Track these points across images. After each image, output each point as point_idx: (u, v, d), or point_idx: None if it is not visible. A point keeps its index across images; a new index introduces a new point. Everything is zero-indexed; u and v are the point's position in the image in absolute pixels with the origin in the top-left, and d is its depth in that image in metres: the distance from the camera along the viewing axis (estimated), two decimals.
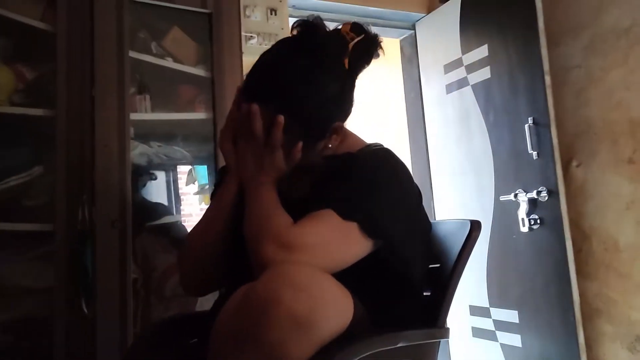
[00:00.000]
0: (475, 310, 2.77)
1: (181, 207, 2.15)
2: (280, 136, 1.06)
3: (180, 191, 2.15)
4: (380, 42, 1.17)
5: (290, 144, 1.09)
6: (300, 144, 1.09)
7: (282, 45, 1.16)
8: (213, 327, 0.93)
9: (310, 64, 1.09)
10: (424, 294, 1.21)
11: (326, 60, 1.10)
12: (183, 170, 2.14)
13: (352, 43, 1.13)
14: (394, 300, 1.09)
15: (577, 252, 2.39)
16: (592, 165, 2.38)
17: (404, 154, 3.42)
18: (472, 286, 2.77)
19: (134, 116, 1.85)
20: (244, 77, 1.17)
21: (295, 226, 1.00)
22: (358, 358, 0.89)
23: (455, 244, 1.20)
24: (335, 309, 0.88)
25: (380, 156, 1.14)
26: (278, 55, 1.14)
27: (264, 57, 1.15)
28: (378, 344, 0.94)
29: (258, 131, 1.07)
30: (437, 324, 1.11)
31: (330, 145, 1.15)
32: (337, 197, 1.03)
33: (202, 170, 2.14)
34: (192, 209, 2.18)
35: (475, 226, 1.19)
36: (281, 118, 1.04)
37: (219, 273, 1.21)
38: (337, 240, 1.00)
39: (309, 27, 1.13)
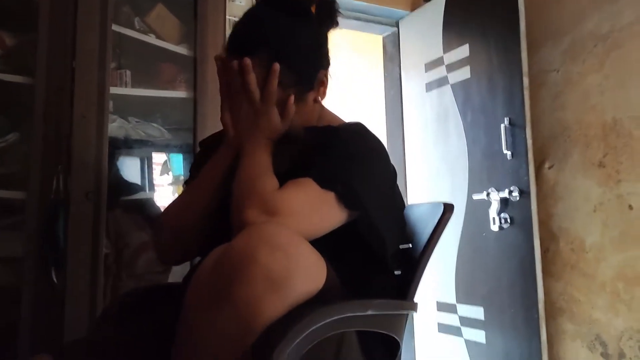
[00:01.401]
0: (442, 306, 2.81)
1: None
2: (276, 85, 1.09)
3: (154, 180, 2.13)
4: (338, 5, 1.24)
5: (282, 101, 1.12)
6: (293, 97, 1.11)
7: (260, 4, 1.22)
8: (189, 285, 0.93)
9: (289, 14, 1.15)
10: (395, 272, 1.23)
11: (301, 12, 1.17)
12: (159, 150, 2.13)
13: None
14: (366, 273, 1.11)
15: (544, 252, 2.44)
16: (563, 168, 2.44)
17: None
18: (440, 283, 2.81)
19: (113, 90, 1.85)
20: (227, 38, 1.19)
21: (278, 192, 1.02)
22: (328, 321, 0.90)
23: (427, 226, 1.22)
24: (310, 271, 0.90)
25: (361, 131, 1.17)
26: (259, 10, 1.19)
27: (246, 15, 1.20)
28: (348, 309, 0.96)
29: (252, 84, 1.09)
30: (406, 297, 1.13)
31: (319, 99, 1.20)
32: (318, 167, 1.05)
33: (177, 160, 2.14)
34: (166, 201, 2.17)
35: (448, 208, 1.22)
36: (277, 65, 1.08)
37: (196, 247, 1.21)
38: (316, 208, 1.02)
39: None
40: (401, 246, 1.26)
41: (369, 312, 1.00)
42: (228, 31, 2.16)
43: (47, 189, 1.69)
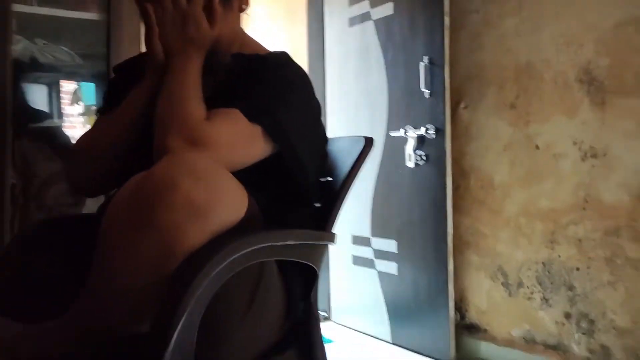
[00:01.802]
0: (357, 240, 2.90)
1: (62, 111, 2.03)
2: None
3: (62, 110, 2.01)
4: None
5: (207, 4, 1.08)
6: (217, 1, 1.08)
7: None
8: (104, 214, 0.90)
9: None
10: (315, 204, 1.24)
11: None
12: (69, 77, 2.01)
13: None
14: (286, 204, 1.12)
15: (455, 188, 2.55)
16: (478, 108, 2.52)
17: None
18: (356, 217, 2.89)
19: (18, 7, 1.70)
20: None
21: (206, 122, 0.99)
22: (248, 250, 0.91)
23: (347, 160, 1.24)
24: (231, 201, 0.89)
25: (288, 63, 1.16)
26: None
27: None
28: (268, 239, 0.97)
29: None
30: (326, 228, 1.16)
31: (244, 7, 1.18)
32: (245, 99, 1.03)
33: (89, 89, 2.03)
34: (76, 132, 2.06)
35: (368, 142, 1.24)
36: None
37: (116, 172, 1.16)
38: (241, 141, 1.01)
39: None
40: (322, 179, 1.28)
41: (289, 242, 1.01)
42: None
43: None
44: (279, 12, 3.81)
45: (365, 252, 2.86)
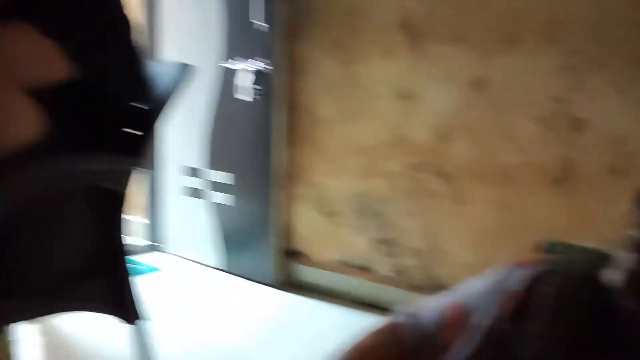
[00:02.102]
0: (193, 171, 2.92)
1: None
2: None
3: None
4: None
5: None
6: None
7: None
8: None
9: None
10: (127, 130, 1.25)
11: None
12: None
13: None
14: (93, 127, 1.12)
15: (287, 123, 2.65)
16: (310, 45, 2.60)
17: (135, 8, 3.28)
18: (191, 148, 2.89)
19: None
20: None
21: None
22: (48, 175, 0.91)
23: (164, 85, 1.24)
24: (17, 121, 0.88)
25: None
26: None
27: None
28: (67, 164, 0.97)
29: None
30: (132, 154, 1.17)
31: None
32: (41, 11, 1.00)
33: None
34: None
35: (186, 68, 1.25)
36: None
37: None
38: (34, 56, 0.98)
39: None
40: (137, 104, 1.28)
41: (89, 165, 1.02)
42: None
43: None
44: None
45: (201, 184, 2.90)
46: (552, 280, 0.58)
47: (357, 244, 2.53)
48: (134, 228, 3.16)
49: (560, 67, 1.99)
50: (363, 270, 2.52)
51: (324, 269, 2.64)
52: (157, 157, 3.05)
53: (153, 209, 3.14)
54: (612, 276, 0.53)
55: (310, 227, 2.68)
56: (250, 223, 2.73)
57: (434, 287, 2.24)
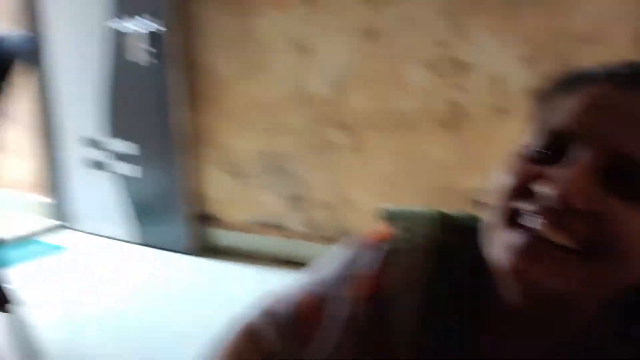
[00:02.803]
0: (92, 143, 2.79)
1: None
2: None
3: None
4: None
5: None
6: None
7: None
8: None
9: None
10: None
11: None
12: None
13: None
14: None
15: (186, 84, 2.57)
16: (205, 2, 2.50)
17: None
18: (87, 118, 2.76)
19: None
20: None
21: None
22: None
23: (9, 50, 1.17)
24: None
25: None
26: None
27: None
28: None
29: None
30: None
31: None
32: None
33: None
34: None
35: (31, 40, 1.18)
36: None
37: None
38: None
39: None
40: None
41: None
42: None
43: None
44: None
45: (103, 156, 2.78)
46: (399, 259, 0.54)
47: (267, 202, 2.53)
48: (35, 207, 3.04)
49: (443, 13, 2.01)
50: (275, 228, 2.53)
51: (238, 230, 2.63)
52: (52, 128, 2.90)
53: (54, 185, 3.00)
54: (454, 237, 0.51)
55: (220, 189, 2.65)
56: (159, 191, 2.67)
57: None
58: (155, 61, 2.51)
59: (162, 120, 2.57)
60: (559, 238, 0.41)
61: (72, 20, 2.70)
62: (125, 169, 2.72)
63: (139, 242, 2.75)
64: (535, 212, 0.42)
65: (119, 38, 2.57)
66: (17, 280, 1.54)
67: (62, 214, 2.99)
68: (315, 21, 2.28)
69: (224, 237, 2.66)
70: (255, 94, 2.46)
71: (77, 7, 2.67)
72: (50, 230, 2.94)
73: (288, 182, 2.46)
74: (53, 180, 3.00)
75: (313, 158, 2.38)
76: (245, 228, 2.61)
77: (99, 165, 2.80)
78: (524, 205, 0.43)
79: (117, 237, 2.81)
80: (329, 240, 2.37)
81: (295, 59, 2.34)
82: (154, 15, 2.47)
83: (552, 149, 0.44)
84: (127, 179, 2.73)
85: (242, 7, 2.42)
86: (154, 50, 2.50)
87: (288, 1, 2.31)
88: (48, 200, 3.01)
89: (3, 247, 1.15)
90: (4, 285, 1.11)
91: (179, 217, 2.63)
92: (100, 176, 2.81)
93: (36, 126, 2.94)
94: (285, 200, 2.48)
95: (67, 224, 2.97)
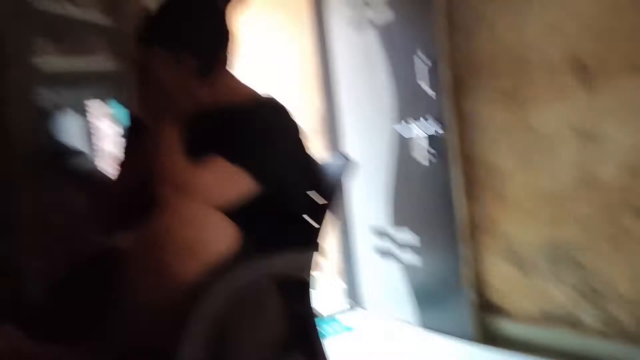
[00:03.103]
0: (379, 231, 3.05)
1: (93, 148, 2.23)
2: (181, 73, 1.22)
3: (90, 131, 2.21)
4: None
5: (186, 83, 1.25)
6: (195, 80, 1.26)
7: None
8: (121, 256, 1.10)
9: (187, 2, 1.30)
10: (308, 220, 1.41)
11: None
12: (94, 105, 2.21)
13: None
14: (277, 230, 1.28)
15: (464, 177, 2.67)
16: (477, 99, 2.63)
17: (312, 86, 3.58)
18: (377, 212, 3.04)
19: (40, 64, 1.91)
20: (137, 30, 1.30)
21: (189, 171, 1.16)
22: (244, 274, 1.08)
23: (334, 180, 1.39)
24: (220, 237, 1.07)
25: (268, 107, 1.31)
26: (162, 5, 1.32)
27: (156, 8, 1.32)
28: (255, 263, 1.14)
29: (162, 72, 1.22)
30: (313, 246, 1.32)
31: (223, 76, 1.33)
32: (228, 144, 1.20)
33: (115, 105, 2.22)
34: (105, 143, 2.26)
35: (349, 164, 1.38)
36: (182, 55, 1.22)
37: (129, 217, 1.34)
38: (227, 184, 1.18)
39: None
40: (310, 195, 1.43)
41: (278, 262, 1.18)
42: None
43: None
44: (285, 22, 3.96)
45: (389, 246, 3.01)
46: None
47: (555, 294, 2.41)
48: (330, 289, 3.37)
49: None
50: (565, 322, 2.39)
51: (522, 321, 2.54)
52: (347, 219, 3.24)
53: (347, 270, 3.32)
54: None
55: (503, 279, 2.62)
56: (440, 278, 2.75)
57: None
58: (435, 157, 2.67)
59: (442, 211, 2.69)
60: None
61: (364, 125, 3.07)
62: (407, 255, 2.89)
63: (422, 326, 2.84)
64: None
65: (403, 139, 2.82)
66: None
67: (353, 296, 3.28)
68: (599, 106, 2.19)
69: (507, 327, 2.60)
70: (537, 183, 2.42)
71: (369, 114, 3.03)
72: (343, 311, 3.22)
73: (578, 274, 2.32)
74: (346, 264, 3.32)
75: (607, 248, 2.22)
76: (531, 319, 2.51)
77: (385, 253, 3.03)
78: None
79: (402, 320, 2.95)
80: (632, 339, 2.14)
81: (580, 145, 2.26)
82: (432, 114, 2.65)
83: None
84: (409, 264, 2.89)
85: (517, 99, 2.46)
86: (433, 148, 2.67)
87: (567, 89, 2.27)
88: (342, 283, 3.32)
89: (320, 321, 1.33)
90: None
91: (461, 304, 2.66)
92: (387, 262, 3.03)
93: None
94: (575, 293, 2.34)
95: (357, 306, 3.24)
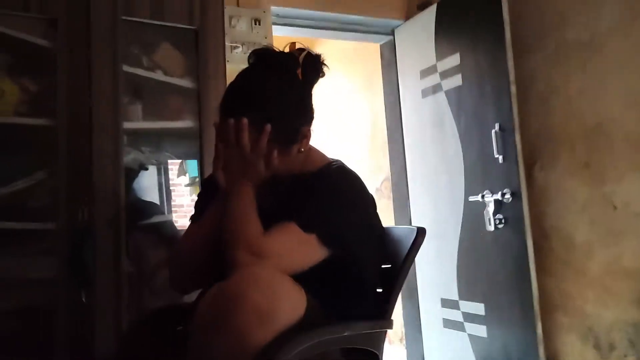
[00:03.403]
0: (446, 303, 2.98)
1: (172, 205, 2.33)
2: (265, 142, 1.27)
3: (170, 183, 2.32)
4: (323, 59, 1.41)
5: (268, 153, 1.29)
6: (276, 151, 1.30)
7: (248, 69, 1.40)
8: (193, 318, 1.12)
9: (275, 77, 1.34)
10: (377, 290, 1.40)
11: (286, 73, 1.35)
12: (174, 162, 2.32)
13: (301, 57, 1.38)
14: (347, 296, 1.28)
15: (537, 249, 2.58)
16: (552, 169, 2.57)
17: (382, 152, 3.61)
18: (443, 280, 2.98)
19: (127, 124, 2.03)
20: (223, 98, 1.37)
21: (264, 237, 1.19)
22: (311, 344, 1.08)
23: (403, 248, 1.39)
24: (292, 304, 1.08)
25: (339, 173, 1.34)
26: (250, 74, 1.38)
27: (236, 80, 1.38)
28: (327, 333, 1.13)
29: (245, 140, 1.26)
30: (384, 317, 1.31)
31: (302, 150, 1.36)
32: (300, 211, 1.23)
33: (192, 164, 2.32)
34: (182, 199, 2.36)
35: (420, 232, 1.38)
36: (268, 127, 1.26)
37: (202, 276, 1.37)
38: (298, 249, 1.20)
39: (264, 51, 1.40)
40: (383, 266, 1.43)
41: (346, 334, 1.17)
42: (229, 58, 2.34)
43: (74, 219, 1.89)
44: (361, 84, 4.06)
45: (455, 315, 2.93)
46: None
47: None
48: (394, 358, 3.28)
49: None
50: None
51: None
52: (414, 289, 3.18)
53: (411, 338, 3.24)
54: None
55: (577, 359, 2.48)
56: (508, 356, 2.63)
57: None
58: (506, 228, 2.61)
59: (513, 284, 2.60)
60: None
61: (434, 192, 3.05)
62: (475, 329, 2.79)
63: None
64: None
65: (473, 207, 2.78)
66: None
67: None
68: None
69: None
70: (619, 261, 2.31)
71: (438, 181, 3.02)
72: None
73: None
74: (410, 334, 3.24)
75: None
76: None
77: (451, 324, 2.94)
78: None
79: None
80: None
81: None
82: (503, 185, 2.61)
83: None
84: (476, 339, 2.78)
85: (596, 172, 2.39)
86: (504, 219, 2.62)
87: None
88: (405, 352, 3.24)
89: None
90: None
91: None
92: (453, 333, 2.93)
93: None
94: None
95: None
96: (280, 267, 1.14)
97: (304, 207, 1.24)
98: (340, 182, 1.31)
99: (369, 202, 1.36)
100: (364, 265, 1.30)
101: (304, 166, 1.38)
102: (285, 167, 1.34)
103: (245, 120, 1.26)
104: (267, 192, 1.32)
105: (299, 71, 1.36)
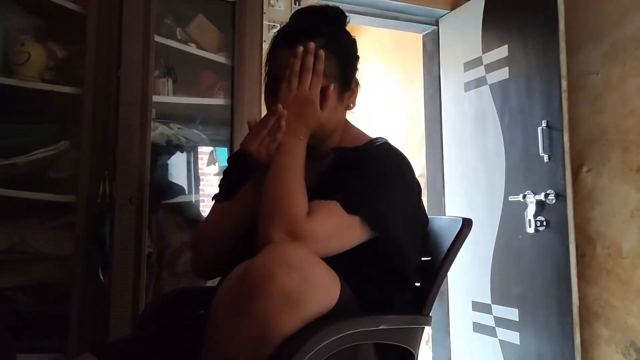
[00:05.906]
0: (478, 306, 2.83)
1: (200, 188, 2.23)
2: (322, 69, 1.17)
3: (200, 172, 2.23)
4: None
5: (323, 90, 1.19)
6: (333, 86, 1.20)
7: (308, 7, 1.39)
8: (213, 299, 1.01)
9: (337, 14, 1.29)
10: (416, 284, 1.28)
11: (340, 17, 1.30)
12: (204, 151, 2.22)
13: None
14: (385, 287, 1.16)
15: (580, 256, 2.43)
16: (601, 172, 2.41)
17: (418, 147, 3.48)
18: (475, 283, 2.83)
19: (156, 98, 1.94)
20: (280, 32, 1.31)
21: (306, 217, 1.06)
22: (341, 335, 0.96)
23: (446, 240, 1.26)
24: (324, 290, 0.96)
25: (386, 152, 1.22)
26: (306, 10, 1.35)
27: (296, 12, 1.34)
28: (360, 325, 1.02)
29: (311, 63, 1.16)
30: (422, 312, 1.18)
31: (351, 106, 1.29)
32: (344, 191, 1.11)
33: (223, 153, 2.22)
34: (211, 189, 2.26)
35: (466, 223, 1.26)
36: (322, 51, 1.17)
37: (227, 261, 1.25)
38: (341, 232, 1.08)
39: (310, 6, 1.41)
40: (423, 259, 1.31)
41: (382, 327, 1.05)
42: (266, 38, 2.23)
43: (95, 193, 1.80)
44: (399, 77, 3.92)
45: (486, 320, 2.78)
46: None
47: None
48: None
49: None
50: None
51: None
52: (444, 290, 3.04)
53: (438, 342, 3.10)
54: None
55: None
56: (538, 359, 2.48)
57: None
58: (547, 232, 2.45)
59: (550, 290, 2.44)
60: None
61: (471, 190, 2.91)
62: (507, 335, 2.64)
63: None
64: None
65: (513, 208, 2.62)
66: None
67: None
68: None
69: None
70: None
71: (477, 179, 2.87)
72: None
73: None
74: (438, 336, 3.10)
75: None
76: None
77: (482, 328, 2.80)
78: None
79: None
80: None
81: None
82: (547, 186, 2.45)
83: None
84: (508, 346, 2.64)
85: None
86: (543, 219, 2.46)
87: None
88: (430, 353, 3.10)
89: None
90: None
91: None
92: (482, 338, 2.79)
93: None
94: None
95: None
96: (319, 250, 1.02)
97: (349, 186, 1.12)
98: (388, 162, 1.19)
99: (416, 187, 1.24)
100: (406, 255, 1.17)
101: (342, 141, 1.27)
102: (333, 120, 1.23)
103: (312, 44, 1.16)
104: (309, 166, 1.19)
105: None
